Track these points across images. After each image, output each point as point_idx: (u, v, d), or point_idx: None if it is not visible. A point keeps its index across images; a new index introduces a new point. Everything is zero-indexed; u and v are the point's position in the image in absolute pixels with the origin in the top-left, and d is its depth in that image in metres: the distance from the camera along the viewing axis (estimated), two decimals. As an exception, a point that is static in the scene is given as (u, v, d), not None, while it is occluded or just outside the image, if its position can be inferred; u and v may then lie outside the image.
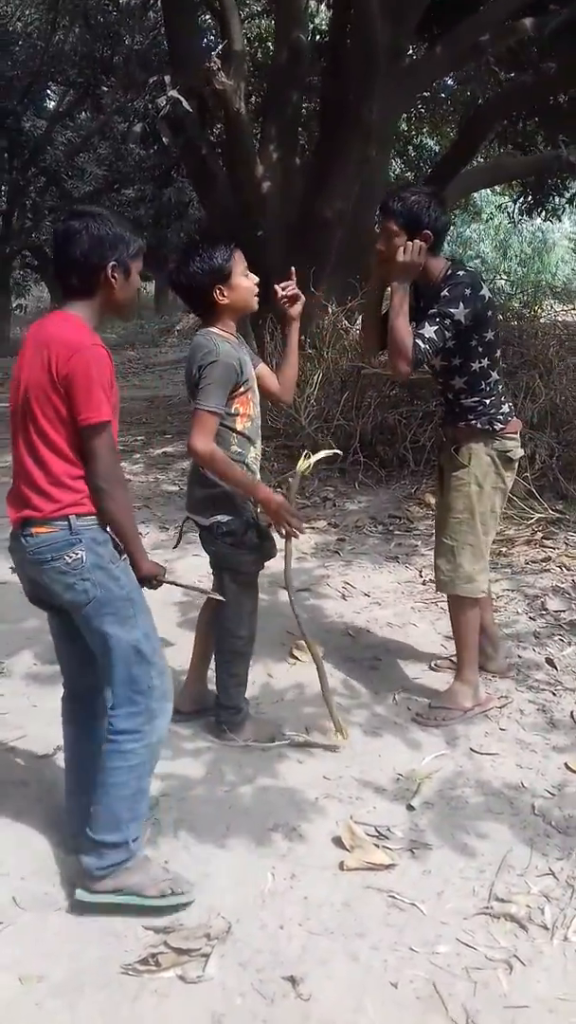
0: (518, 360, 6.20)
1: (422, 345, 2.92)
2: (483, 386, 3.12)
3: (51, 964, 2.19)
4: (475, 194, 19.98)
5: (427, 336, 2.92)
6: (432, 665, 3.64)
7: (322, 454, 3.07)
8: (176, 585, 2.48)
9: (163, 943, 2.21)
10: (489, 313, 3.07)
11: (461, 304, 2.93)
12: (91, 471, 2.20)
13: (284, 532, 2.88)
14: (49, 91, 19.35)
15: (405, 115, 13.70)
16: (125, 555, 2.30)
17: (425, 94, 12.82)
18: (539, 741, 3.08)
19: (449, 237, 20.28)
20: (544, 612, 4.07)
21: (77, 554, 2.21)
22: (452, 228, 20.37)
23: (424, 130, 15.06)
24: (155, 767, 2.40)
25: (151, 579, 2.36)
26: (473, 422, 3.14)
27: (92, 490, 2.21)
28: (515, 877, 2.44)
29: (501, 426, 3.15)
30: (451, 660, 3.56)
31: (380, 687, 3.49)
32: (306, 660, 3.68)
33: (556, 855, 2.51)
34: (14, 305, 19.83)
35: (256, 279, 2.88)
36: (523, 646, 3.77)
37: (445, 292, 2.96)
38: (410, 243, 2.94)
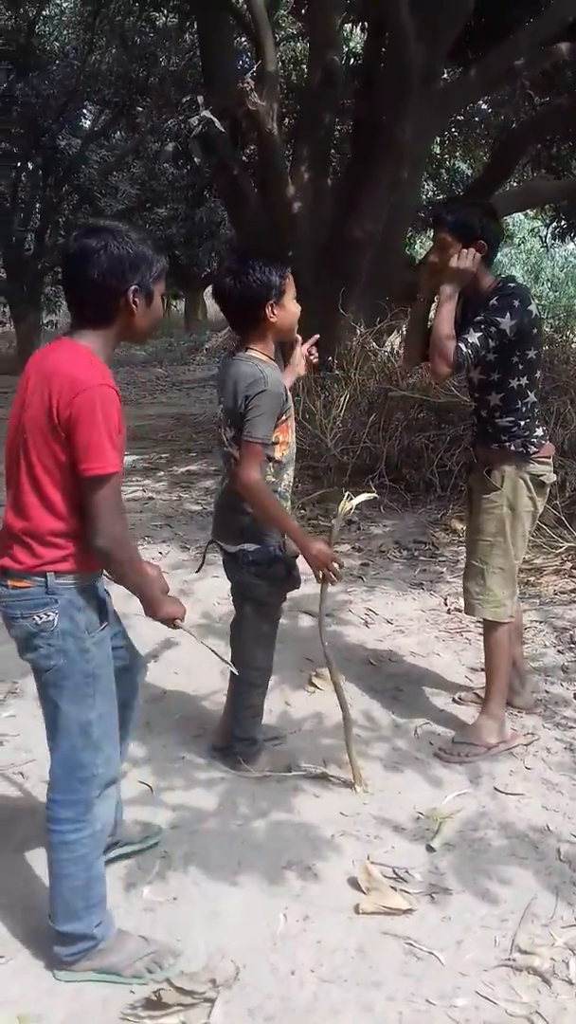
0: (549, 386, 6.09)
1: (464, 349, 2.87)
2: (519, 405, 3.04)
3: (51, 1003, 2.12)
4: (507, 218, 19.94)
5: (470, 341, 2.88)
6: (456, 698, 3.54)
7: (363, 497, 2.99)
8: (189, 634, 2.35)
9: (167, 984, 2.12)
10: (534, 331, 3.01)
11: (509, 315, 2.88)
12: (91, 529, 1.97)
13: (320, 577, 2.80)
14: (85, 110, 19.56)
15: (438, 138, 13.72)
16: (106, 624, 2.16)
17: (459, 117, 12.83)
18: (566, 782, 2.96)
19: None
20: (573, 645, 3.94)
21: (48, 616, 2.02)
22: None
23: (457, 153, 15.06)
24: (101, 852, 2.23)
25: (170, 621, 2.22)
26: (507, 444, 3.06)
27: (93, 550, 1.99)
28: (539, 927, 2.32)
29: (535, 449, 3.07)
30: (476, 693, 3.46)
31: (402, 719, 3.39)
32: (326, 689, 3.59)
33: (582, 905, 2.39)
34: (45, 321, 19.95)
35: (299, 308, 2.81)
36: (551, 680, 3.65)
37: (494, 301, 2.92)
38: (464, 250, 2.91)
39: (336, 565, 2.79)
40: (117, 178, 20.95)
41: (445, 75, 9.64)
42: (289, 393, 2.84)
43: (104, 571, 2.15)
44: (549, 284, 15.95)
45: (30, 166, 18.12)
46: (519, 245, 17.64)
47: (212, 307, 25.64)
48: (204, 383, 14.25)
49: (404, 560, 5.13)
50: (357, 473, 6.32)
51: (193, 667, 3.79)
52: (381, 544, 5.35)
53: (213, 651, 2.46)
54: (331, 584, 2.87)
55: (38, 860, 2.53)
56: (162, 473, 7.55)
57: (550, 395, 5.95)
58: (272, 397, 2.68)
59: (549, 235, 13.35)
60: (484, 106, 11.57)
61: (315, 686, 3.62)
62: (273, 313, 2.71)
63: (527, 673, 3.50)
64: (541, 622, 4.20)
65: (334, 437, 6.36)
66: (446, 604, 4.43)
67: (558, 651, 3.91)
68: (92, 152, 19.28)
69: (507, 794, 2.89)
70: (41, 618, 2.03)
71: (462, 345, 2.88)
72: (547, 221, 13.72)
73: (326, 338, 7.18)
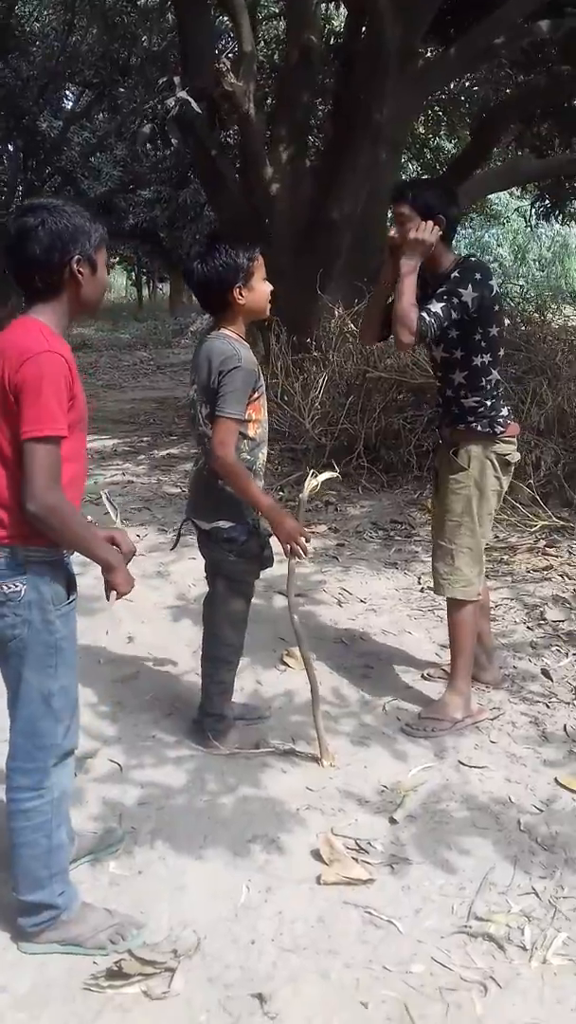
0: (526, 365, 6.13)
1: (427, 318, 2.89)
2: (483, 383, 3.07)
3: (16, 975, 2.15)
4: (494, 198, 19.89)
5: (433, 310, 2.90)
6: (425, 675, 3.58)
7: (326, 475, 3.03)
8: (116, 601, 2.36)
9: (129, 955, 2.16)
10: (496, 308, 3.03)
11: (471, 287, 2.91)
12: (24, 493, 1.96)
13: (289, 551, 2.84)
14: (67, 92, 19.38)
15: (422, 117, 13.66)
16: (74, 598, 2.17)
17: (442, 96, 12.78)
18: (530, 755, 3.01)
19: (467, 240, 20.13)
20: (543, 622, 3.99)
21: (16, 586, 2.05)
22: (471, 232, 20.30)
23: (441, 132, 15.00)
24: (65, 820, 2.26)
25: (115, 588, 2.20)
26: (473, 424, 3.09)
27: (27, 515, 1.97)
28: (496, 895, 2.37)
29: (501, 429, 3.10)
30: (444, 669, 3.50)
31: (371, 696, 3.43)
32: (296, 667, 3.63)
33: (539, 873, 2.44)
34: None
35: (271, 287, 2.85)
36: (519, 656, 3.70)
37: (455, 274, 2.95)
38: (424, 223, 2.92)
39: (304, 540, 2.82)
40: (100, 160, 20.81)
41: (428, 53, 9.61)
42: (261, 372, 2.87)
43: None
44: (537, 263, 15.94)
45: (10, 148, 17.96)
46: (504, 224, 17.61)
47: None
48: (188, 366, 14.21)
49: (380, 540, 5.16)
50: (336, 454, 6.34)
51: (167, 647, 3.82)
52: (358, 524, 5.39)
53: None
54: (298, 559, 2.90)
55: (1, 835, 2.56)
56: (142, 456, 7.56)
57: (527, 375, 5.99)
58: (245, 373, 2.72)
59: (534, 215, 13.33)
60: (467, 84, 11.52)
61: (286, 664, 3.66)
62: (241, 295, 2.75)
63: (494, 649, 3.55)
64: (512, 599, 4.24)
65: (312, 419, 6.37)
66: (419, 583, 4.46)
67: (527, 627, 3.95)
68: (74, 134, 19.13)
69: (471, 767, 2.94)
70: (9, 588, 2.06)
71: (425, 314, 2.89)
72: (532, 200, 13.69)
73: (304, 320, 7.24)
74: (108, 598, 2.25)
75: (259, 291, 2.79)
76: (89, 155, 19.66)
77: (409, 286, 2.93)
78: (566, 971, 2.11)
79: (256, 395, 2.82)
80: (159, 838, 2.61)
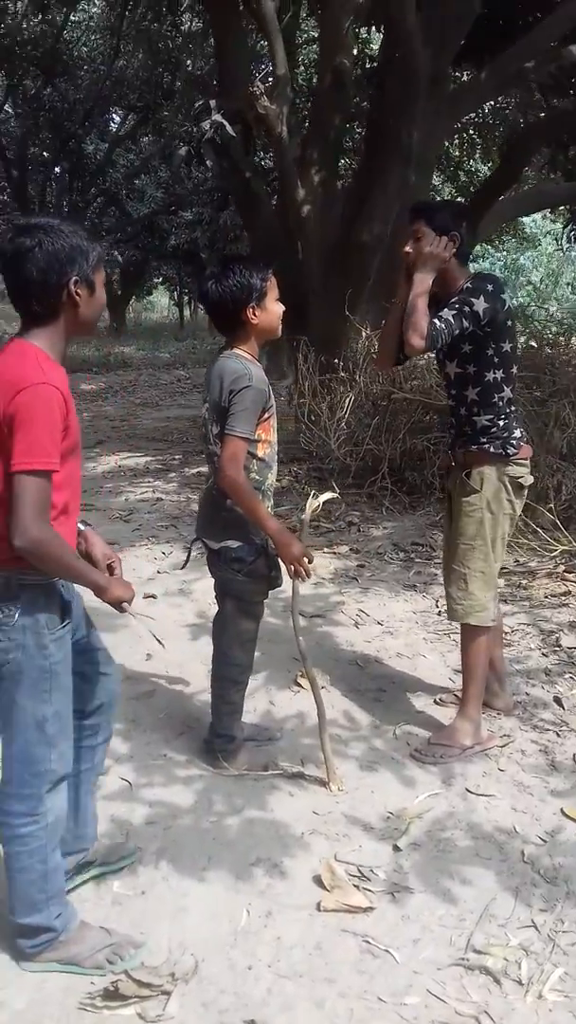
0: (550, 388, 6.09)
1: (438, 323, 2.88)
2: (495, 400, 3.06)
3: (14, 991, 2.17)
4: (528, 221, 19.81)
5: (444, 317, 2.90)
6: (437, 699, 3.56)
7: (326, 496, 3.05)
8: (134, 616, 2.38)
9: (125, 975, 2.18)
10: (508, 322, 3.03)
11: (482, 297, 2.91)
12: (11, 527, 1.93)
13: (292, 573, 2.85)
14: (113, 115, 19.74)
15: (457, 140, 13.70)
16: (68, 623, 2.16)
17: (477, 119, 12.80)
18: (538, 784, 2.98)
19: (502, 263, 20.04)
20: (558, 648, 3.96)
21: (9, 611, 2.04)
22: (505, 255, 20.21)
23: (477, 155, 15.01)
24: (60, 843, 2.24)
25: (118, 604, 2.22)
26: (486, 445, 3.08)
27: (15, 549, 1.94)
28: (496, 928, 2.35)
29: (514, 451, 3.09)
30: (456, 695, 3.48)
31: (382, 720, 3.42)
32: (310, 689, 3.63)
33: (540, 906, 2.42)
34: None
35: (283, 308, 2.89)
36: (532, 683, 3.67)
37: (468, 285, 2.96)
38: (438, 238, 2.94)
39: (307, 563, 2.84)
40: (144, 182, 21.14)
41: (462, 76, 9.66)
42: (272, 392, 2.90)
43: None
44: (570, 287, 15.86)
45: (57, 171, 18.33)
46: (537, 247, 17.56)
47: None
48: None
49: (400, 562, 5.15)
50: (360, 475, 6.35)
51: (184, 664, 3.85)
52: (379, 546, 5.39)
53: (153, 634, 2.50)
54: (301, 581, 2.91)
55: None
56: (173, 474, 7.64)
57: (550, 398, 5.95)
58: (256, 393, 2.75)
59: (565, 238, 13.26)
60: (500, 107, 11.53)
61: (300, 686, 3.67)
62: (254, 315, 2.79)
63: (507, 675, 3.52)
64: (529, 624, 4.21)
65: (338, 439, 6.39)
66: (437, 606, 4.45)
67: (543, 654, 3.92)
68: (119, 156, 19.48)
69: (478, 795, 2.92)
70: (2, 612, 2.05)
71: (436, 321, 2.88)
72: (564, 223, 13.63)
73: (333, 340, 7.29)
74: (121, 612, 2.25)
75: (272, 311, 2.83)
76: (133, 177, 19.99)
77: (422, 295, 2.93)
78: (561, 1007, 2.09)
79: (267, 415, 2.84)
80: (164, 858, 2.63)
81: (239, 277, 2.75)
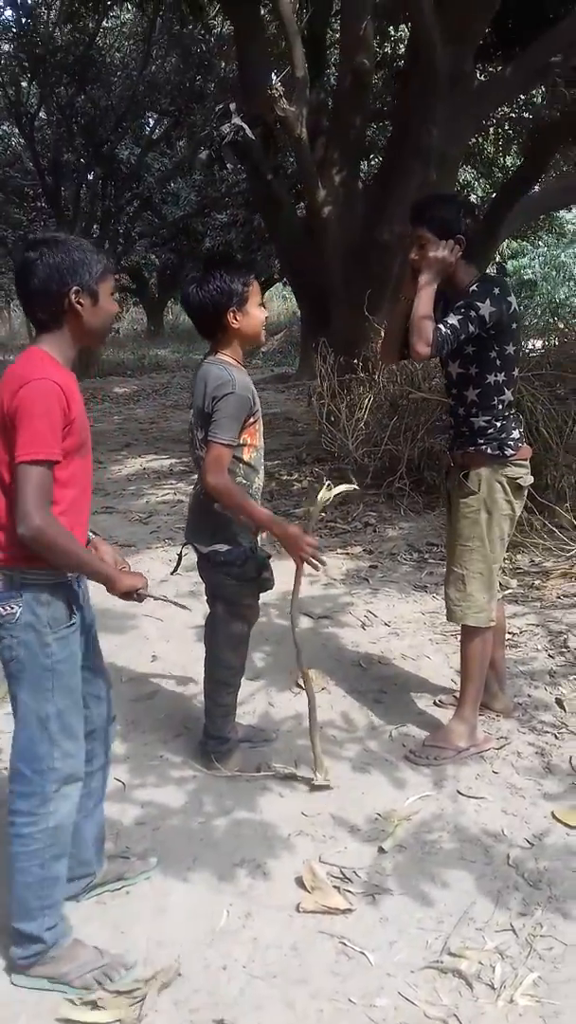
0: (570, 386, 6.01)
1: (443, 330, 2.85)
2: (495, 402, 3.03)
3: (-7, 983, 2.20)
4: (571, 217, 19.56)
5: (450, 323, 2.86)
6: (437, 701, 3.54)
7: (342, 488, 3.01)
8: (154, 598, 2.40)
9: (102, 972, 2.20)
10: (513, 325, 2.99)
11: (488, 300, 2.87)
12: (14, 516, 1.99)
13: (301, 560, 2.81)
14: (149, 120, 19.87)
15: (490, 136, 13.58)
16: (73, 623, 2.18)
17: (511, 115, 12.67)
18: (531, 787, 2.95)
19: (543, 258, 19.73)
20: (565, 650, 3.90)
21: (12, 608, 2.09)
22: (546, 251, 19.98)
23: (513, 150, 14.87)
24: (64, 852, 2.24)
25: (131, 593, 2.24)
26: (483, 446, 3.05)
27: (19, 538, 2.00)
28: (473, 931, 2.33)
29: (512, 452, 3.05)
30: (455, 696, 3.45)
31: (380, 721, 3.41)
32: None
33: (520, 910, 2.39)
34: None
35: (267, 313, 2.89)
36: (535, 685, 3.63)
37: (474, 288, 2.93)
38: (444, 242, 2.90)
39: (312, 545, 2.79)
40: (178, 185, 21.26)
41: (495, 70, 9.55)
42: (257, 396, 2.90)
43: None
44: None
45: (90, 176, 18.48)
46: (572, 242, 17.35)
47: (270, 310, 25.84)
48: (257, 385, 14.36)
49: (413, 563, 5.12)
50: (379, 475, 6.33)
51: (188, 666, 3.87)
52: (393, 546, 5.36)
53: (174, 603, 2.54)
54: (315, 568, 2.88)
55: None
56: (196, 476, 7.66)
57: (570, 396, 5.87)
58: (238, 400, 2.74)
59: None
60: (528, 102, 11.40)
61: (300, 687, 3.66)
62: (236, 319, 2.79)
63: (507, 676, 3.49)
64: (537, 625, 4.16)
65: (356, 440, 6.37)
66: (446, 607, 4.41)
67: (548, 655, 3.87)
68: (153, 160, 19.61)
69: (469, 797, 2.89)
70: (5, 609, 2.09)
71: (441, 327, 2.85)
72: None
73: (353, 341, 7.27)
74: (140, 599, 2.27)
75: (254, 316, 2.82)
76: (167, 180, 20.10)
77: (427, 299, 2.90)
78: (531, 1012, 2.07)
79: (252, 420, 2.84)
80: (151, 858, 2.65)
81: (220, 282, 2.75)
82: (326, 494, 2.89)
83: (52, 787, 2.18)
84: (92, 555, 2.20)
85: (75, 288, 2.09)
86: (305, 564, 2.83)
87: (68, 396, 2.05)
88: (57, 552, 2.05)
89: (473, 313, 2.86)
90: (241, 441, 2.82)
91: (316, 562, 2.82)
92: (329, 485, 2.94)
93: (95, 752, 2.41)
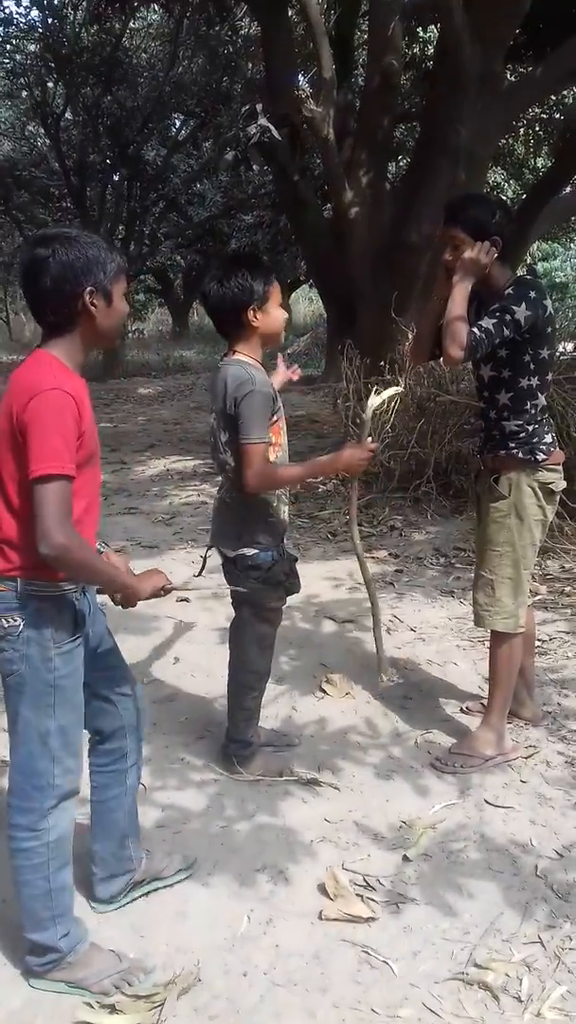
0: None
1: (478, 333, 2.80)
2: (527, 407, 2.98)
3: (10, 990, 2.19)
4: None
5: (484, 326, 2.81)
6: (464, 708, 3.49)
7: (391, 391, 3.00)
8: (180, 589, 2.37)
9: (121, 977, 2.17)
10: (548, 329, 2.94)
11: (524, 304, 2.81)
12: (36, 534, 1.90)
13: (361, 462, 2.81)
14: (176, 120, 19.93)
15: (521, 137, 13.49)
16: (78, 638, 2.12)
17: (543, 116, 12.58)
18: (560, 796, 2.89)
19: (574, 261, 19.48)
20: (595, 657, 3.84)
21: (15, 620, 2.02)
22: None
23: (544, 152, 14.76)
24: (67, 862, 2.19)
25: (156, 594, 2.19)
26: (514, 451, 3.00)
27: (42, 558, 1.92)
28: (500, 943, 2.29)
29: (543, 456, 3.00)
30: (482, 703, 3.41)
31: (406, 727, 3.37)
32: (334, 695, 3.61)
33: (548, 922, 2.34)
34: (131, 329, 20.38)
35: (285, 314, 2.86)
36: (566, 693, 3.57)
37: (509, 291, 2.87)
38: (479, 243, 2.85)
39: (365, 456, 2.79)
40: (204, 186, 21.30)
41: (526, 71, 9.48)
42: (278, 394, 2.87)
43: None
44: None
45: (116, 177, 18.55)
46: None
47: (296, 311, 25.81)
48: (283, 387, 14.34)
49: (440, 567, 5.07)
50: (405, 479, 6.28)
51: (210, 668, 3.84)
52: (419, 551, 5.31)
53: (195, 578, 2.52)
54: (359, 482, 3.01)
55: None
56: (220, 478, 7.64)
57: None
58: (262, 396, 2.71)
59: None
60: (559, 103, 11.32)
61: (324, 692, 3.63)
62: (256, 317, 2.75)
63: (536, 684, 3.43)
64: (569, 632, 4.10)
65: (382, 442, 6.33)
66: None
67: (578, 662, 3.81)
68: (180, 161, 19.66)
69: (496, 807, 2.85)
70: (8, 622, 2.02)
71: (475, 330, 2.80)
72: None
73: (380, 342, 7.23)
74: (165, 595, 2.23)
75: (274, 316, 2.79)
76: (193, 181, 20.14)
77: (460, 301, 2.85)
78: (559, 1027, 2.02)
79: (275, 418, 2.81)
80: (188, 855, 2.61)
81: (241, 279, 2.71)
82: (375, 399, 2.86)
83: (51, 803, 2.13)
84: (111, 567, 2.13)
85: (89, 288, 1.99)
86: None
87: (80, 407, 1.97)
88: (82, 569, 2.01)
89: (508, 317, 2.81)
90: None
91: (371, 455, 2.84)
92: (377, 390, 2.93)
93: (127, 750, 2.38)
